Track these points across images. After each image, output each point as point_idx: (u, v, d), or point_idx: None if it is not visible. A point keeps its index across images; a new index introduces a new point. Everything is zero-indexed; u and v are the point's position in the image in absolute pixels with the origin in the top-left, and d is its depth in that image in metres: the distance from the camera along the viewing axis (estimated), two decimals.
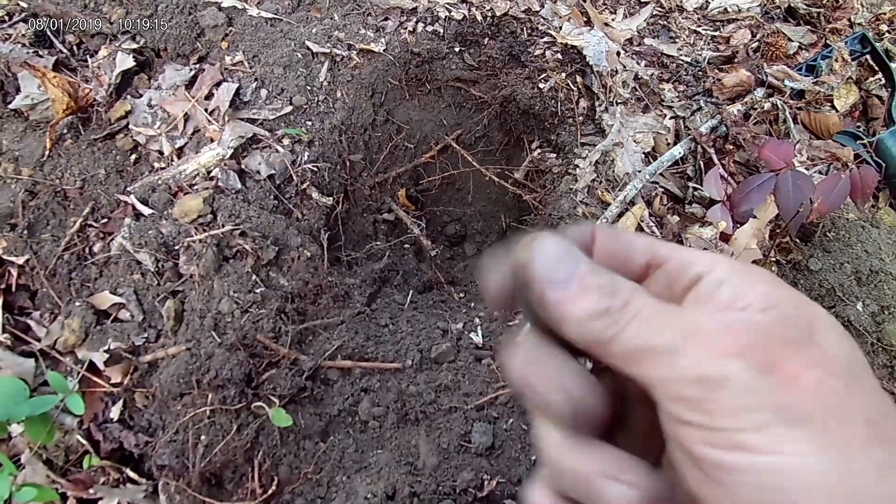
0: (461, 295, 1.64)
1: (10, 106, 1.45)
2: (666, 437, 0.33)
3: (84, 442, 1.23)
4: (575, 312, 0.32)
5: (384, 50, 1.66)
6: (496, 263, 0.37)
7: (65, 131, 1.46)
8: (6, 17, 1.59)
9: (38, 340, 1.29)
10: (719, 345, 0.29)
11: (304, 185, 1.51)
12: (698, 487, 0.30)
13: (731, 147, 1.69)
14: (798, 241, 1.59)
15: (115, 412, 1.25)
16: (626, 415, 0.38)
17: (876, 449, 0.28)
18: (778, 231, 1.54)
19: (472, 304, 1.56)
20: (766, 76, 1.82)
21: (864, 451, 0.27)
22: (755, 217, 1.52)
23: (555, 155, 1.77)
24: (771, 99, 1.78)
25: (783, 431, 0.27)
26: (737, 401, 0.28)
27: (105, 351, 1.25)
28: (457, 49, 1.76)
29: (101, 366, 1.26)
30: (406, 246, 1.77)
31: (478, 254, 1.96)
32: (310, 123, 1.57)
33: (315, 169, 1.53)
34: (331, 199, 1.56)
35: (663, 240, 0.38)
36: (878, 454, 0.27)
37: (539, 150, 1.81)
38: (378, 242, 1.66)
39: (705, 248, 1.42)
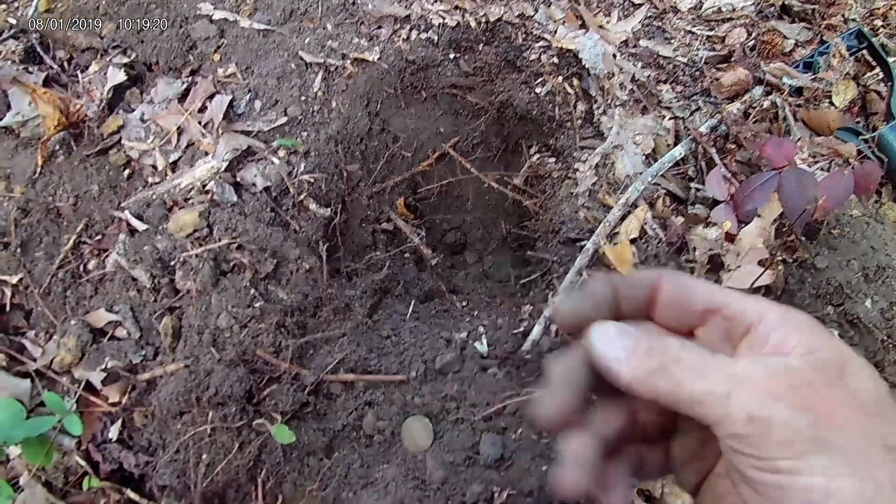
0: (464, 303, 1.61)
1: (1, 123, 1.43)
2: (725, 458, 0.41)
3: (83, 463, 1.21)
4: (638, 373, 0.40)
5: (378, 58, 1.65)
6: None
7: (56, 148, 1.44)
8: None
9: (34, 360, 1.27)
10: (765, 389, 0.36)
11: (301, 197, 1.49)
12: (751, 501, 0.38)
13: (732, 146, 1.67)
14: (803, 239, 1.56)
15: (113, 432, 1.23)
16: (683, 427, 0.46)
17: (894, 468, 0.34)
18: (783, 230, 1.52)
19: (476, 313, 1.53)
20: (764, 74, 1.80)
21: (882, 470, 0.34)
22: (759, 216, 1.50)
23: (554, 159, 1.75)
24: (770, 97, 1.76)
25: (818, 459, 0.34)
26: (780, 435, 0.35)
27: (102, 370, 1.23)
28: (452, 56, 1.75)
29: (98, 385, 1.24)
30: (406, 255, 1.75)
31: (479, 261, 1.93)
32: (305, 134, 1.55)
33: (311, 180, 1.51)
34: (328, 209, 1.54)
35: (720, 287, 0.45)
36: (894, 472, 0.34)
37: (538, 155, 1.79)
38: (378, 252, 1.63)
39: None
